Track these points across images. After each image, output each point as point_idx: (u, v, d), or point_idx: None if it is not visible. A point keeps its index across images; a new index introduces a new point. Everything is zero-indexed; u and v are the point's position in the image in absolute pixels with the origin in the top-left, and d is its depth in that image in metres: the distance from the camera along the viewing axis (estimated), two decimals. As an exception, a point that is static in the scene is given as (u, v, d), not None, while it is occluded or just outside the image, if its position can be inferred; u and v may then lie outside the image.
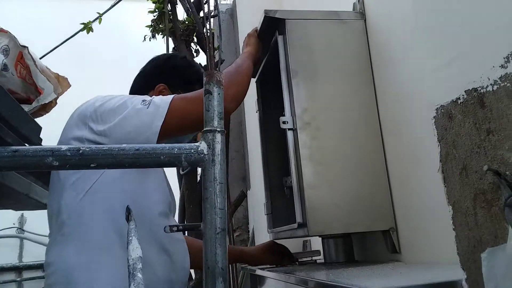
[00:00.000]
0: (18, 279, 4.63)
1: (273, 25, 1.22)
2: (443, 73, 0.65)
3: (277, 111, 1.27)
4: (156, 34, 2.27)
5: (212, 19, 2.32)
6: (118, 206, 0.92)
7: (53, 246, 0.93)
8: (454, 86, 0.62)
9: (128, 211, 0.68)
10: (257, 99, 1.52)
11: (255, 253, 1.40)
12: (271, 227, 1.39)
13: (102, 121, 0.94)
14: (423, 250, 0.99)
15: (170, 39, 2.23)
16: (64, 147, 0.64)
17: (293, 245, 1.97)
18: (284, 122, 1.12)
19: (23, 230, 4.77)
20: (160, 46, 2.16)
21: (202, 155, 0.67)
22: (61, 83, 1.17)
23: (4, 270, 4.57)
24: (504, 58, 0.53)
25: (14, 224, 4.76)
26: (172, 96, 0.97)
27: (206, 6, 2.09)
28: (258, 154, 1.62)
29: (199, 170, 1.99)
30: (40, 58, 1.14)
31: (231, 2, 3.82)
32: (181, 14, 2.32)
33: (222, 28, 2.72)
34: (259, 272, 1.36)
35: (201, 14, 2.24)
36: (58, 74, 1.18)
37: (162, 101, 0.95)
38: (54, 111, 1.18)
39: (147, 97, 0.97)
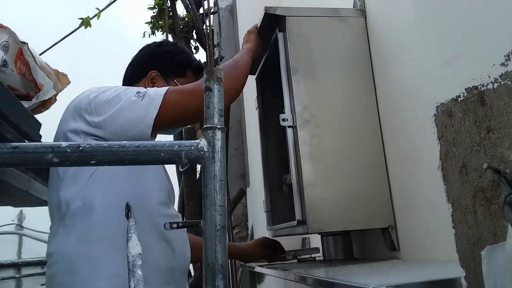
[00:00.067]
0: (17, 275, 4.63)
1: (273, 22, 1.22)
2: (444, 70, 0.65)
3: (277, 109, 1.27)
4: (156, 31, 2.26)
5: (211, 16, 2.31)
6: (118, 196, 0.93)
7: (55, 237, 0.94)
8: (454, 84, 0.62)
9: (128, 208, 0.68)
10: (257, 96, 1.52)
11: (248, 248, 1.41)
12: (270, 225, 1.39)
13: (96, 113, 0.94)
14: (422, 248, 0.99)
15: (169, 35, 2.23)
16: (64, 143, 0.64)
17: (292, 242, 1.97)
18: (283, 120, 1.12)
19: (22, 226, 4.78)
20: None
21: (202, 152, 0.67)
22: (61, 80, 1.17)
23: (3, 266, 4.57)
24: (504, 56, 0.53)
25: (13, 220, 4.76)
26: (167, 88, 0.97)
27: (205, 2, 2.09)
28: (257, 152, 1.62)
29: (198, 167, 1.99)
30: (40, 55, 1.14)
31: (231, -1, 3.80)
32: (180, 10, 2.31)
33: (222, 25, 2.71)
34: (258, 269, 1.36)
35: (201, 10, 2.24)
36: (57, 70, 1.17)
37: (156, 93, 0.95)
38: (53, 107, 1.18)
39: (141, 89, 0.97)
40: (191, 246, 1.09)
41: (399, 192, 1.09)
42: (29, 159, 0.63)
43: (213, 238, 0.65)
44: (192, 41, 2.27)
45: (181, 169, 2.08)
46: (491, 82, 0.55)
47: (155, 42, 1.24)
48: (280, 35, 1.19)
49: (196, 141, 0.67)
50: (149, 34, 2.28)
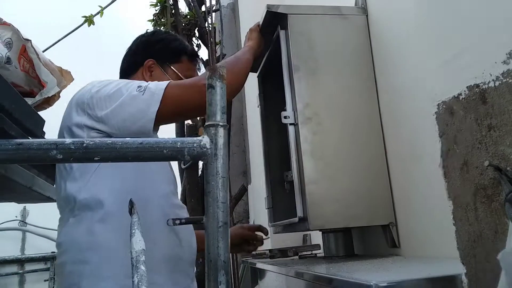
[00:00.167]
0: (21, 271, 4.66)
1: (275, 20, 1.22)
2: (445, 68, 0.65)
3: (279, 106, 1.27)
4: (158, 28, 2.26)
5: (213, 14, 2.31)
6: (125, 187, 0.95)
7: (65, 227, 0.96)
8: (456, 82, 0.62)
9: (131, 204, 0.69)
10: (259, 94, 1.52)
11: None
12: (271, 221, 1.40)
13: (98, 108, 0.95)
14: (423, 245, 1.00)
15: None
16: (68, 140, 0.64)
17: (293, 239, 1.98)
18: (285, 117, 1.12)
19: (25, 223, 4.80)
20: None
21: (205, 149, 0.67)
22: (65, 77, 1.17)
23: (6, 262, 4.59)
24: (506, 54, 0.54)
25: (16, 217, 4.78)
26: (168, 82, 0.97)
27: (208, 0, 2.09)
28: (259, 149, 1.63)
29: (200, 164, 2.00)
30: (43, 52, 1.14)
31: (233, -4, 3.80)
32: (183, 8, 2.31)
33: (224, 22, 2.71)
34: (259, 265, 1.37)
35: (203, 8, 2.23)
36: (61, 67, 1.18)
37: (157, 88, 0.95)
38: (57, 104, 1.18)
39: (143, 83, 0.97)
40: (196, 238, 1.10)
41: (400, 189, 1.09)
42: (33, 155, 0.63)
43: (216, 234, 0.65)
44: (194, 38, 2.27)
45: (183, 166, 2.09)
46: (493, 80, 0.55)
47: (148, 32, 1.25)
48: (282, 33, 1.20)
49: (198, 138, 0.68)
50: (152, 32, 2.28)
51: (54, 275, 4.59)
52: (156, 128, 0.98)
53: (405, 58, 1.06)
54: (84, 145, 0.64)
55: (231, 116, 2.11)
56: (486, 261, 0.56)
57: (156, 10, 2.26)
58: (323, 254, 1.27)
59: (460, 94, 0.61)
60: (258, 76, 1.52)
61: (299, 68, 1.15)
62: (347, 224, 1.10)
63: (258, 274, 1.44)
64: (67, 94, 1.18)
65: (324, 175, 1.09)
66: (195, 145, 0.67)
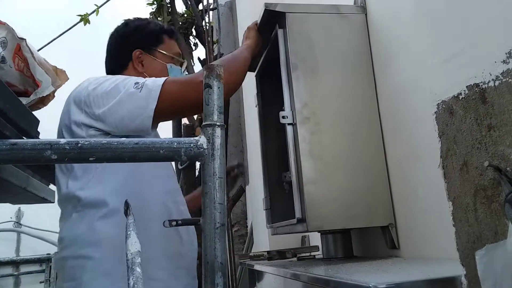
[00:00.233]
0: (16, 273, 4.63)
1: (273, 19, 1.22)
2: (445, 68, 0.64)
3: (277, 106, 1.26)
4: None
5: (211, 12, 2.30)
6: (128, 183, 0.96)
7: (67, 222, 0.97)
8: (455, 81, 0.61)
9: (127, 205, 0.68)
10: (257, 94, 1.51)
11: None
12: (269, 222, 1.39)
13: (96, 106, 0.95)
14: (422, 246, 0.99)
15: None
16: (62, 140, 0.63)
17: (292, 240, 1.97)
18: (283, 117, 1.12)
19: (20, 224, 4.77)
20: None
21: (202, 149, 0.66)
22: (59, 76, 1.16)
23: (1, 264, 4.57)
24: (506, 53, 0.53)
25: (11, 218, 4.76)
26: (164, 78, 0.97)
27: (205, -1, 2.08)
28: (257, 149, 1.62)
29: (197, 164, 1.99)
30: (38, 51, 1.13)
31: (230, -4, 3.79)
32: (180, 7, 2.30)
33: (221, 21, 2.70)
34: (257, 267, 1.36)
35: (200, 7, 2.23)
36: (56, 66, 1.17)
37: (154, 84, 0.95)
38: (51, 104, 1.17)
39: (139, 79, 0.97)
40: (188, 201, 1.13)
41: (399, 190, 1.09)
42: (28, 156, 0.62)
43: (213, 236, 0.64)
44: (191, 37, 2.26)
45: (180, 167, 2.08)
46: (493, 79, 0.55)
47: (118, 26, 1.22)
48: (280, 32, 1.19)
49: (195, 138, 0.67)
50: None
51: (49, 277, 4.56)
52: (154, 126, 0.98)
53: (404, 57, 1.06)
54: (79, 145, 0.63)
55: (229, 116, 2.11)
56: (487, 263, 0.56)
57: (152, 9, 2.26)
58: (321, 256, 1.27)
59: (460, 93, 0.60)
60: (256, 75, 1.51)
61: (297, 67, 1.14)
62: (346, 225, 1.09)
63: (256, 276, 1.43)
64: (62, 94, 1.17)
65: (322, 175, 1.08)
66: (192, 145, 0.66)
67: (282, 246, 1.76)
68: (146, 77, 1.11)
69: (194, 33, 2.26)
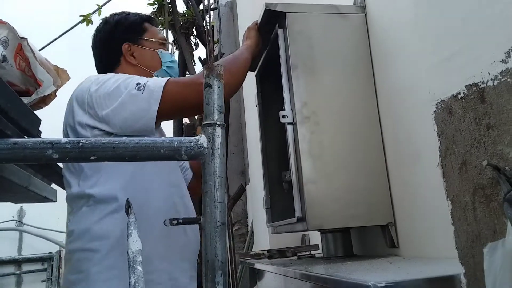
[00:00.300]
0: (18, 272, 4.65)
1: (273, 18, 1.22)
2: (444, 67, 0.65)
3: (277, 105, 1.26)
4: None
5: (211, 12, 2.30)
6: (136, 178, 0.98)
7: (76, 215, 0.98)
8: (454, 81, 0.62)
9: (128, 204, 0.69)
10: (257, 93, 1.51)
11: None
12: (270, 221, 1.39)
13: (99, 107, 0.96)
14: (421, 245, 0.99)
15: (169, 32, 2.22)
16: (64, 139, 0.64)
17: (292, 239, 1.98)
18: (283, 116, 1.12)
19: (22, 223, 4.78)
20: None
21: (202, 148, 0.67)
22: (61, 75, 1.17)
23: (3, 263, 4.58)
24: (505, 53, 0.53)
25: (13, 217, 4.77)
26: (166, 80, 0.98)
27: (206, -1, 2.08)
28: (257, 149, 1.62)
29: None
30: (40, 50, 1.14)
31: (231, -5, 3.79)
32: (180, 7, 2.30)
33: (222, 21, 2.71)
34: (258, 266, 1.37)
35: (201, 7, 2.23)
36: (57, 66, 1.17)
37: (155, 86, 0.96)
38: (53, 103, 1.18)
39: (141, 80, 0.98)
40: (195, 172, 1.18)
41: (398, 189, 1.09)
42: (29, 155, 0.63)
43: (213, 234, 0.65)
44: (192, 37, 2.26)
45: (180, 166, 2.08)
46: (491, 79, 0.55)
47: (99, 26, 1.23)
48: (280, 32, 1.19)
49: (196, 137, 0.67)
50: (149, 31, 2.26)
51: (51, 276, 4.58)
52: (157, 125, 0.99)
53: (403, 57, 1.06)
54: (80, 144, 0.63)
55: (229, 115, 2.11)
56: (485, 261, 0.56)
57: (153, 9, 2.26)
58: (321, 255, 1.27)
59: (459, 93, 0.61)
60: (256, 75, 1.52)
61: (298, 67, 1.14)
62: (345, 224, 1.09)
63: (257, 275, 1.43)
64: (63, 93, 1.17)
65: (322, 174, 1.08)
66: (192, 144, 0.66)
67: (283, 245, 1.76)
68: (141, 68, 1.13)
69: (195, 33, 2.26)
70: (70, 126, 0.99)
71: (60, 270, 4.59)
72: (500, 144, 0.54)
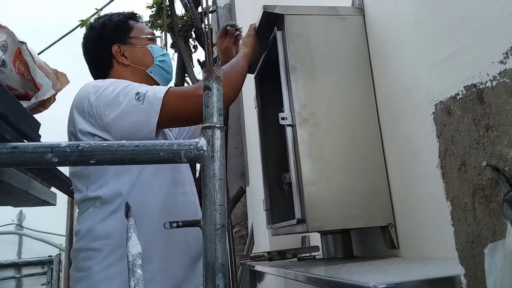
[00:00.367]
0: (17, 275, 4.64)
1: (272, 21, 1.22)
2: (442, 68, 0.65)
3: (276, 107, 1.26)
4: (154, 30, 2.26)
5: (210, 15, 2.31)
6: (140, 178, 1.00)
7: (83, 215, 1.01)
8: (453, 82, 0.62)
9: (127, 207, 0.69)
10: (256, 95, 1.52)
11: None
12: (270, 223, 1.39)
13: (99, 117, 0.98)
14: (421, 246, 0.99)
15: (168, 34, 2.22)
16: (63, 143, 0.64)
17: (292, 241, 1.98)
18: (283, 118, 1.12)
19: (22, 226, 4.78)
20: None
21: (202, 151, 0.67)
22: (60, 79, 1.17)
23: (3, 266, 4.57)
24: (503, 54, 0.53)
25: (13, 220, 4.76)
26: (165, 89, 0.98)
27: (204, 1, 2.08)
28: (257, 151, 1.63)
29: (198, 166, 1.99)
30: (39, 54, 1.14)
31: (230, -2, 3.80)
32: (179, 9, 2.31)
33: (221, 23, 2.71)
34: (258, 267, 1.37)
35: (199, 9, 2.23)
36: (56, 70, 1.17)
37: (155, 97, 0.97)
38: (52, 107, 1.18)
39: (141, 89, 0.98)
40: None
41: (398, 190, 1.09)
42: (29, 159, 0.63)
43: (213, 237, 0.65)
44: (190, 40, 2.27)
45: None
46: (490, 80, 0.55)
47: (86, 33, 1.22)
48: (278, 34, 1.19)
49: (195, 140, 0.67)
50: (148, 33, 2.27)
51: (51, 279, 4.57)
52: (157, 135, 1.00)
53: (402, 58, 1.06)
54: (80, 148, 0.63)
55: (228, 117, 2.11)
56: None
57: (152, 12, 2.26)
58: (322, 256, 1.27)
59: (458, 94, 0.61)
60: (255, 77, 1.52)
61: (296, 69, 1.15)
62: (345, 225, 1.09)
63: (257, 277, 1.43)
64: (63, 97, 1.18)
65: (322, 176, 1.08)
66: (192, 147, 0.66)
67: (283, 247, 1.76)
68: (134, 67, 1.14)
69: (193, 35, 2.26)
70: (72, 134, 1.02)
71: (60, 274, 4.58)
72: (499, 145, 0.54)
